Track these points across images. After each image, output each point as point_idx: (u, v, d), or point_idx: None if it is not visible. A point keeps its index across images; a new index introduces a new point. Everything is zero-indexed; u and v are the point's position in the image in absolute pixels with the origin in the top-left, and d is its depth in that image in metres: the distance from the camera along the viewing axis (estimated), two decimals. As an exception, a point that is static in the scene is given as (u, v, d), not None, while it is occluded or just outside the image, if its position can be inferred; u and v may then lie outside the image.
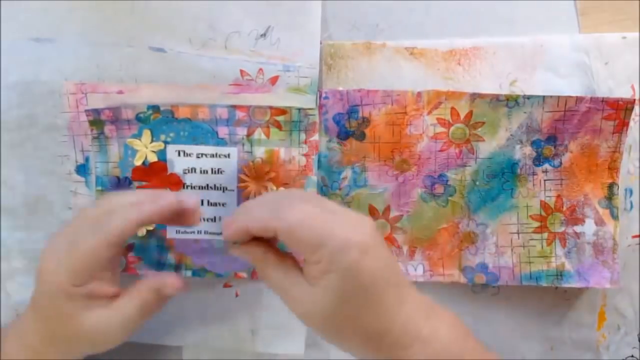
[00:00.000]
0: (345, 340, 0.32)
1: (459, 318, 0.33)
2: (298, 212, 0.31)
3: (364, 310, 0.30)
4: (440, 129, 0.41)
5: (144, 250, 0.42)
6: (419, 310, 0.32)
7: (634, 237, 0.43)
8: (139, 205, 0.33)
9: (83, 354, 0.35)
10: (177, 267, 0.42)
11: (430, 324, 0.31)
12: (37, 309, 0.34)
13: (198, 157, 0.41)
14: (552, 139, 0.41)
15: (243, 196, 0.41)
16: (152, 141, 0.41)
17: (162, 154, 0.41)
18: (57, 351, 0.34)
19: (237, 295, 0.43)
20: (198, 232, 0.41)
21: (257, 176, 0.41)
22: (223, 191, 0.41)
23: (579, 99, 0.40)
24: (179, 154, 0.41)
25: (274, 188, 0.41)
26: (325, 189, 0.42)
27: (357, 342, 0.31)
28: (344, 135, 0.41)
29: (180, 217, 0.35)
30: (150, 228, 0.41)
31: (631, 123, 0.41)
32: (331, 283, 0.30)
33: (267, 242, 0.34)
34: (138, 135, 0.41)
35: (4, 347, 0.35)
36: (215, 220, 0.41)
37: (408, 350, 0.31)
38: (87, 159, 0.42)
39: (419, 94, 0.41)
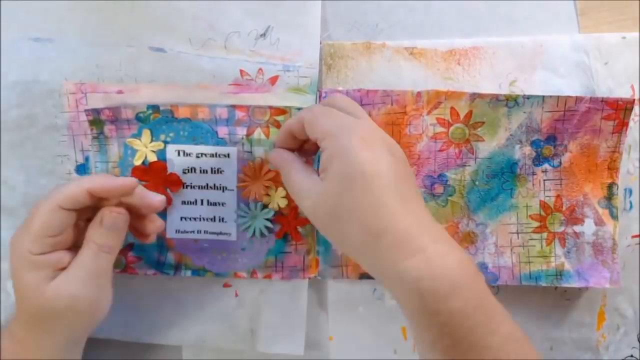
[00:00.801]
0: (345, 234, 0.32)
1: (471, 260, 0.33)
2: (320, 107, 0.35)
3: (362, 199, 0.31)
4: (439, 129, 0.41)
5: (144, 250, 0.42)
6: (426, 229, 0.31)
7: (633, 237, 0.43)
8: (93, 176, 0.35)
9: (67, 336, 0.35)
10: (177, 267, 0.42)
11: (437, 247, 0.30)
12: (15, 292, 0.34)
13: (198, 157, 0.41)
14: (551, 138, 0.41)
15: (243, 196, 0.41)
16: (151, 141, 0.41)
17: (161, 153, 0.41)
18: (38, 336, 0.34)
19: (237, 295, 0.43)
20: (198, 232, 0.41)
21: (257, 176, 0.41)
22: (223, 191, 0.41)
23: (578, 99, 0.40)
24: (178, 154, 0.41)
25: (274, 188, 0.41)
26: (325, 189, 0.42)
27: (356, 237, 0.31)
28: (343, 135, 0.41)
29: (140, 219, 0.37)
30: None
31: (631, 123, 0.41)
32: (334, 168, 0.32)
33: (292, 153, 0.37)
34: (138, 135, 0.41)
35: (3, 345, 0.35)
36: (215, 220, 0.41)
37: (408, 260, 0.30)
38: (87, 159, 0.42)
39: (419, 93, 0.41)
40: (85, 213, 0.36)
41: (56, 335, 0.35)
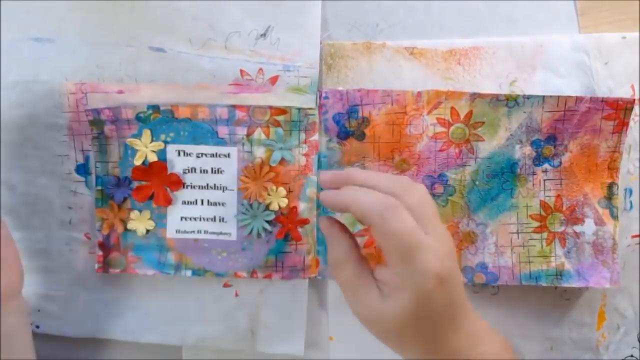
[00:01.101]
0: (402, 351, 0.34)
1: (509, 343, 0.35)
2: (402, 218, 0.31)
3: (426, 331, 0.32)
4: (440, 129, 0.41)
5: (144, 250, 0.42)
6: (472, 337, 0.33)
7: (633, 237, 0.43)
8: None
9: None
10: (177, 267, 0.42)
11: (478, 351, 0.33)
12: None
13: (198, 157, 0.41)
14: (551, 138, 0.41)
15: (244, 197, 0.41)
16: (152, 141, 0.41)
17: (162, 153, 0.41)
18: None
19: (237, 295, 0.43)
20: (198, 232, 0.41)
21: (257, 176, 0.41)
22: (223, 191, 0.41)
23: (578, 99, 0.40)
24: (179, 154, 0.41)
25: (274, 188, 0.41)
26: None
27: (412, 354, 0.33)
28: (343, 135, 0.41)
29: None
30: (150, 228, 0.41)
31: (631, 123, 0.41)
32: (403, 302, 0.31)
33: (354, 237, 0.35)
34: (138, 135, 0.41)
35: None
36: (215, 220, 0.41)
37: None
38: (87, 159, 0.42)
39: (419, 93, 0.41)
40: None
41: None
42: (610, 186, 0.42)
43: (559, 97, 0.41)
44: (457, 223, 0.42)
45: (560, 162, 0.42)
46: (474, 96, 0.41)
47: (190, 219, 0.41)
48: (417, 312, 0.31)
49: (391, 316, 0.32)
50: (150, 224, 0.41)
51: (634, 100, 0.41)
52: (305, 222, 0.42)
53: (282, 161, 0.41)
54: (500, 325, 0.43)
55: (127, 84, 0.41)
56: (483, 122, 0.41)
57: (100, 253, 0.41)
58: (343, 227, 0.35)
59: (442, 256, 0.32)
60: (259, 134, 0.41)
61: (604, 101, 0.40)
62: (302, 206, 0.41)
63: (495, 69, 0.42)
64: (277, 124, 0.41)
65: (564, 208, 0.42)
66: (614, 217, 0.42)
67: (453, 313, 0.32)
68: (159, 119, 0.41)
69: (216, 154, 0.41)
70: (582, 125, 0.41)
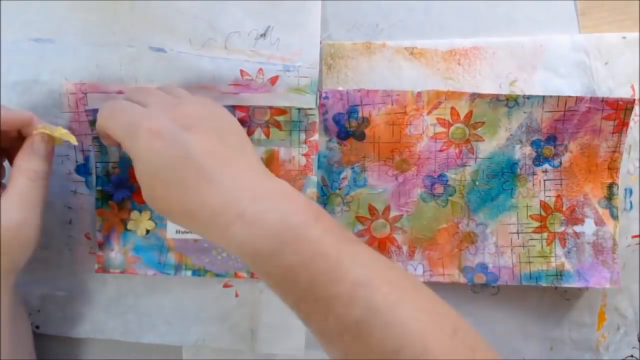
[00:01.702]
0: (172, 219, 0.33)
1: (314, 204, 0.32)
2: (111, 106, 0.34)
3: (167, 190, 0.32)
4: (440, 129, 0.41)
5: (144, 250, 0.42)
6: (246, 190, 0.31)
7: (633, 237, 0.43)
8: None
9: (8, 268, 0.34)
10: (177, 267, 0.42)
11: (255, 207, 0.30)
12: None
13: (198, 157, 0.41)
14: (551, 139, 0.41)
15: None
16: (152, 141, 0.41)
17: (162, 153, 0.41)
18: None
19: (237, 295, 0.43)
20: (198, 232, 0.41)
21: (257, 176, 0.41)
22: (223, 191, 0.41)
23: (578, 99, 0.40)
24: (179, 154, 0.41)
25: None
26: (325, 189, 0.42)
27: (179, 219, 0.33)
28: (343, 135, 0.41)
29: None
30: (150, 228, 0.41)
31: (631, 123, 0.41)
32: (136, 167, 0.32)
33: None
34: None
35: None
36: (215, 220, 0.41)
37: (228, 230, 0.30)
38: (87, 159, 0.42)
39: (419, 94, 0.41)
40: None
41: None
42: (610, 186, 0.42)
43: (559, 97, 0.41)
44: (457, 223, 0.42)
45: (560, 162, 0.42)
46: (474, 96, 0.41)
47: (190, 219, 0.41)
48: (145, 172, 0.32)
49: (141, 184, 0.32)
50: (150, 224, 0.41)
51: (634, 100, 0.41)
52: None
53: (282, 161, 0.41)
54: (500, 325, 0.43)
55: (127, 84, 0.41)
56: (483, 122, 0.41)
57: (100, 253, 0.41)
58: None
59: (155, 113, 0.33)
60: (259, 134, 0.41)
61: (604, 101, 0.40)
62: (302, 206, 0.41)
63: (495, 69, 0.42)
64: (277, 124, 0.41)
65: (564, 208, 0.42)
66: (614, 217, 0.42)
67: (187, 167, 0.31)
68: (159, 119, 0.41)
69: (216, 154, 0.41)
70: (582, 125, 0.41)
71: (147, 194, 0.33)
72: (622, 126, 0.41)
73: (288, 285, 0.30)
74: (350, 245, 0.31)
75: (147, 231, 0.41)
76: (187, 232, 0.41)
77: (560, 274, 0.42)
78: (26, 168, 0.35)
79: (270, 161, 0.41)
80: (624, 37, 0.42)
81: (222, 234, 0.31)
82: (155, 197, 0.33)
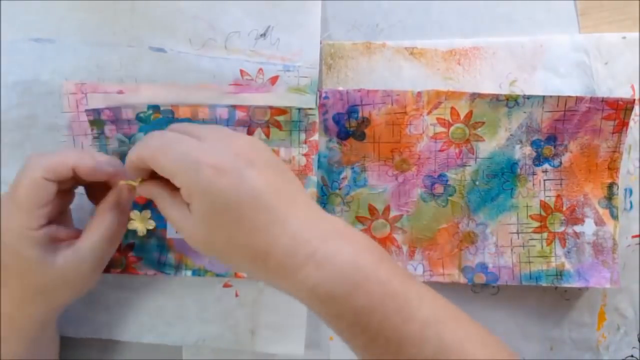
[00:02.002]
0: (232, 262, 0.31)
1: (374, 243, 0.31)
2: (159, 138, 0.32)
3: (233, 231, 0.30)
4: (440, 129, 0.41)
5: (144, 250, 0.42)
6: (314, 229, 0.30)
7: (633, 237, 0.43)
8: (79, 153, 0.35)
9: (60, 304, 0.35)
10: (177, 267, 0.42)
11: (327, 248, 0.29)
12: (5, 271, 0.33)
13: (198, 157, 0.41)
14: (552, 138, 0.41)
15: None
16: (152, 141, 0.41)
17: (162, 153, 0.41)
18: (32, 310, 0.34)
19: (237, 295, 0.43)
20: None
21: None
22: (223, 191, 0.41)
23: (578, 99, 0.40)
24: (179, 154, 0.41)
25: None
26: (325, 189, 0.42)
27: (243, 263, 0.31)
28: (343, 135, 0.41)
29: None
30: (151, 227, 0.41)
31: (631, 123, 0.41)
32: (195, 206, 0.30)
33: (165, 180, 0.33)
34: (138, 135, 0.41)
35: None
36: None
37: (299, 272, 0.29)
38: (87, 159, 0.42)
39: (419, 93, 0.41)
40: (65, 184, 0.35)
41: (52, 306, 0.35)
42: (610, 186, 0.42)
43: (559, 97, 0.41)
44: (457, 223, 0.42)
45: (560, 162, 0.42)
46: (474, 96, 0.41)
47: (190, 219, 0.41)
48: (209, 211, 0.30)
49: (197, 225, 0.30)
50: (151, 224, 0.41)
51: (634, 100, 0.41)
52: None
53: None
54: (501, 325, 0.43)
55: (127, 84, 0.41)
56: (483, 122, 0.41)
57: (100, 253, 0.41)
58: (155, 178, 0.34)
59: (214, 149, 0.31)
60: (259, 134, 0.41)
61: (604, 101, 0.40)
62: (302, 206, 0.41)
63: (495, 69, 0.42)
64: (277, 124, 0.41)
65: (564, 208, 0.42)
66: (614, 217, 0.42)
67: (256, 205, 0.30)
68: (159, 119, 0.41)
69: (216, 154, 0.41)
70: (582, 125, 0.41)
71: (203, 235, 0.31)
72: (622, 126, 0.41)
73: (360, 328, 0.29)
74: (413, 284, 0.30)
75: (148, 231, 0.41)
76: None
77: (560, 274, 0.42)
78: (110, 220, 0.35)
79: (270, 161, 0.41)
80: (624, 37, 0.42)
81: (292, 277, 0.29)
82: (215, 240, 0.31)
